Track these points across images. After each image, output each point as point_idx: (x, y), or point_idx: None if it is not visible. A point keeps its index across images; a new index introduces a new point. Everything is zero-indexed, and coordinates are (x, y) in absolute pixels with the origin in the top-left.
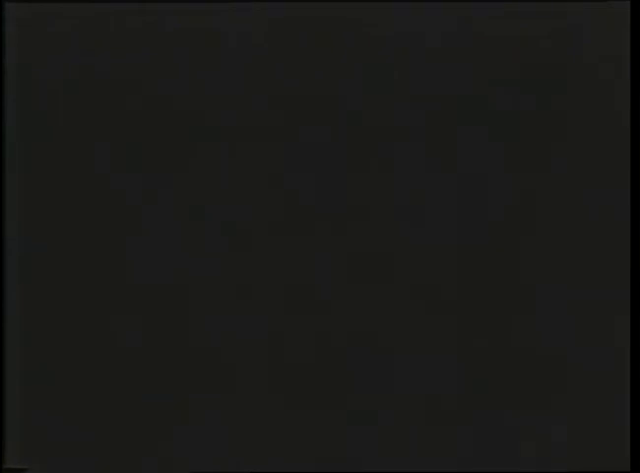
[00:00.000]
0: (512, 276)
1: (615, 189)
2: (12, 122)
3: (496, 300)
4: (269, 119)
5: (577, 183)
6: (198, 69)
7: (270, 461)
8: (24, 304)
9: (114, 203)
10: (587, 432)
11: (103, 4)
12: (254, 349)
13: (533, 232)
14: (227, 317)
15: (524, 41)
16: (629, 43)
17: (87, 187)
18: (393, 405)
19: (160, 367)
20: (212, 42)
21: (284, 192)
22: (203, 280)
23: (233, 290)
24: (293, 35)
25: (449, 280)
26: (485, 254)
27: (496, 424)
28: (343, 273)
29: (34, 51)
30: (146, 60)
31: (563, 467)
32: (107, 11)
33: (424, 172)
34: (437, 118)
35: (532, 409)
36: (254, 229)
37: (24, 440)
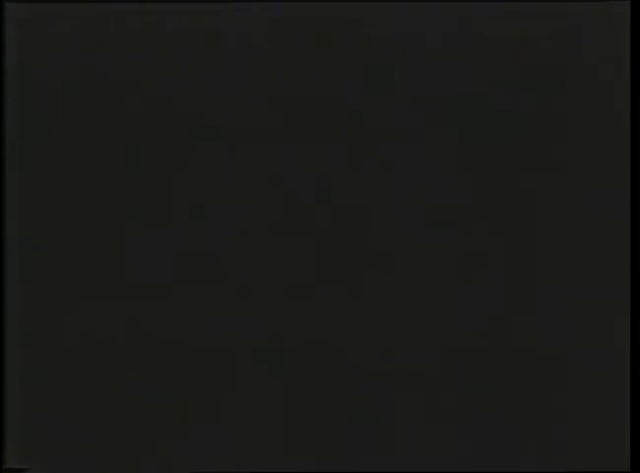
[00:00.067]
0: (512, 276)
1: (615, 189)
2: (12, 122)
3: (496, 300)
4: (269, 119)
5: (577, 183)
6: (198, 69)
7: (270, 461)
8: (24, 304)
9: (114, 203)
10: (587, 432)
11: (103, 4)
12: (254, 349)
13: (533, 232)
14: (227, 317)
15: (524, 41)
16: (629, 43)
17: (87, 187)
18: (393, 405)
19: (160, 367)
20: (212, 42)
21: (284, 192)
22: (203, 280)
23: (233, 290)
24: (293, 35)
25: (449, 280)
26: (485, 254)
27: (496, 424)
28: (343, 273)
29: (34, 51)
30: (146, 60)
31: (563, 467)
32: (107, 11)
33: (424, 172)
34: (437, 118)
35: (532, 409)
36: (254, 229)
37: (24, 440)
